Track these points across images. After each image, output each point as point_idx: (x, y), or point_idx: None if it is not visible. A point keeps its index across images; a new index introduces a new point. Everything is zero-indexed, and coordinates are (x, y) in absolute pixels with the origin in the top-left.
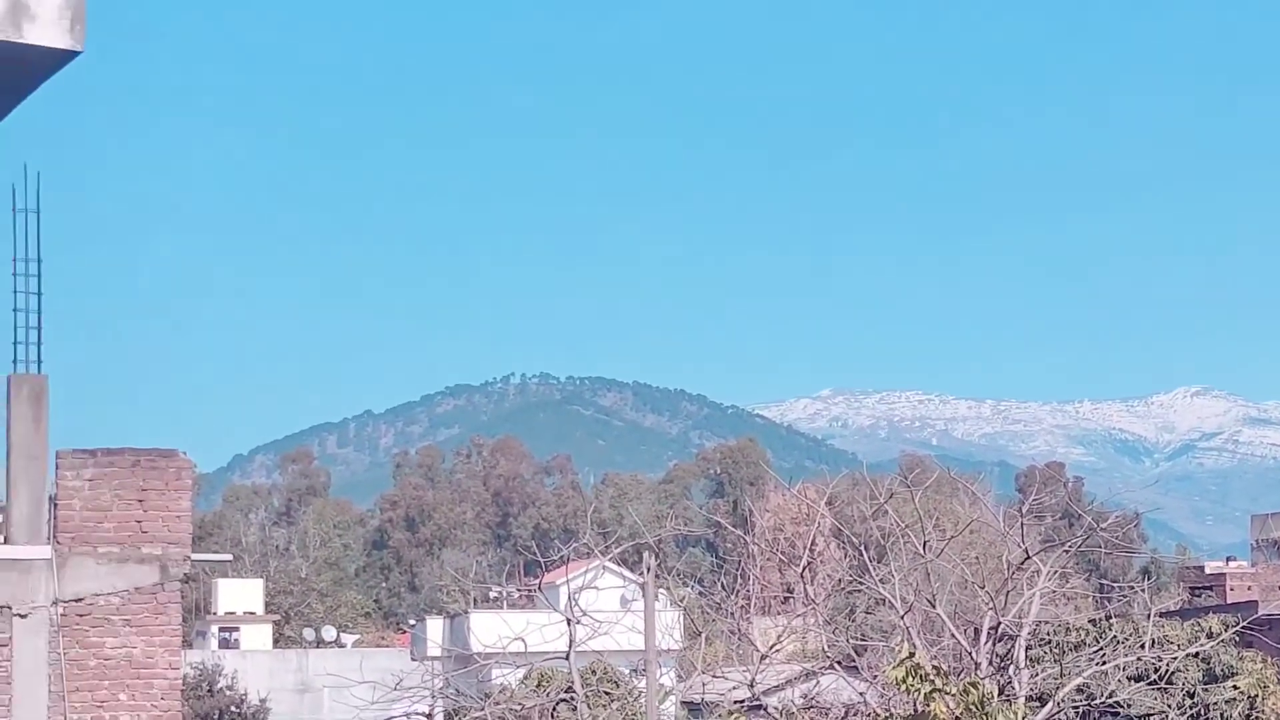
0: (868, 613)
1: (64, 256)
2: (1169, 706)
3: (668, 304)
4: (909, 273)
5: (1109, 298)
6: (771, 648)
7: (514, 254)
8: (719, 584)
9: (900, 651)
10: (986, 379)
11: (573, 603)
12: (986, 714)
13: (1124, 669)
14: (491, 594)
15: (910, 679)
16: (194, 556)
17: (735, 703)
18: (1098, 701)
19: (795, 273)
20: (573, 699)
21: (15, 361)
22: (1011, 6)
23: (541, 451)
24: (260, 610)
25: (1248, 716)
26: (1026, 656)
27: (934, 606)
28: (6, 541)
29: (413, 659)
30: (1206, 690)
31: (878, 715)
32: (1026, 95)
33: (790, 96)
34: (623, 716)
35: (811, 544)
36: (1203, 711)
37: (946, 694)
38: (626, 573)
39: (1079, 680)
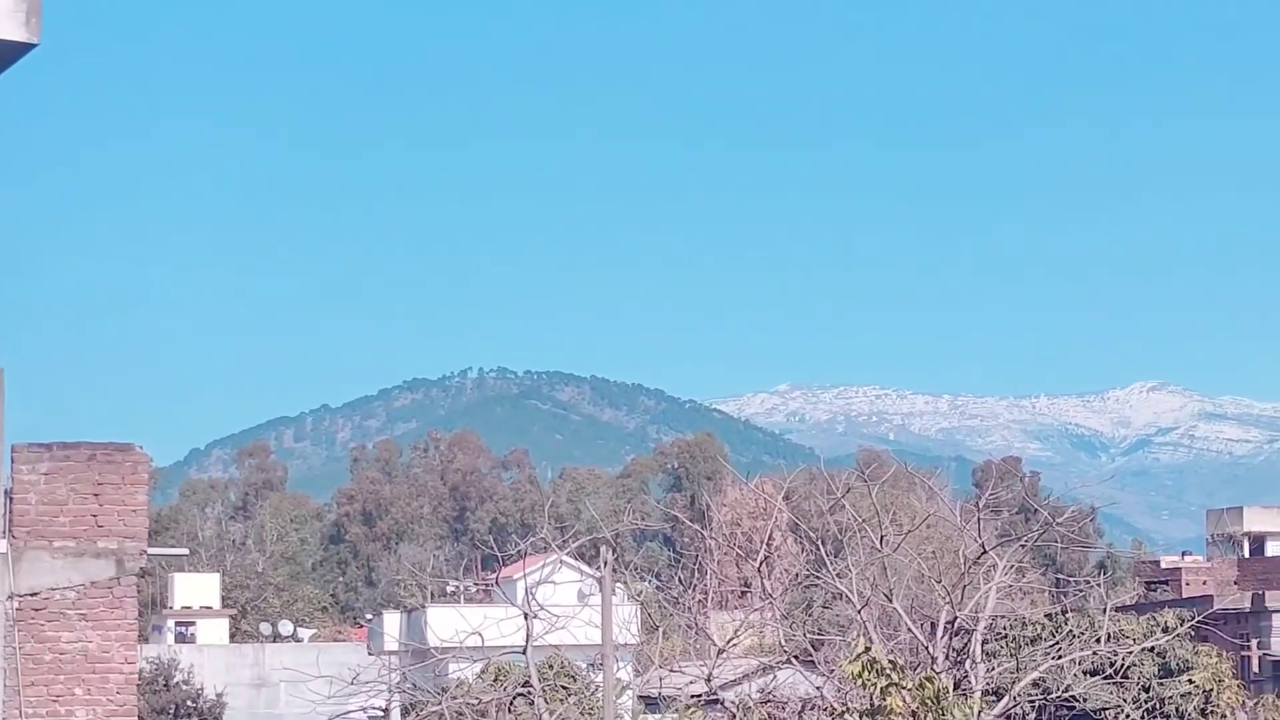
0: (825, 607)
1: (18, 248)
2: (1125, 700)
3: (625, 298)
4: (866, 268)
5: (1065, 293)
6: (729, 642)
7: (471, 249)
8: (676, 578)
9: (857, 646)
10: (943, 374)
11: (530, 597)
12: (942, 708)
13: (1080, 663)
14: (448, 588)
15: (866, 673)
16: (150, 551)
17: (692, 697)
18: (1054, 696)
19: (753, 267)
20: (530, 693)
21: None
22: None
23: (499, 446)
24: (217, 605)
25: (1203, 710)
26: (983, 651)
27: (890, 601)
28: None
29: (370, 653)
30: (1162, 684)
31: (834, 709)
32: (983, 96)
33: (743, 93)
34: (580, 711)
35: (768, 538)
36: (1158, 705)
37: (903, 688)
38: (584, 567)
39: (1035, 674)
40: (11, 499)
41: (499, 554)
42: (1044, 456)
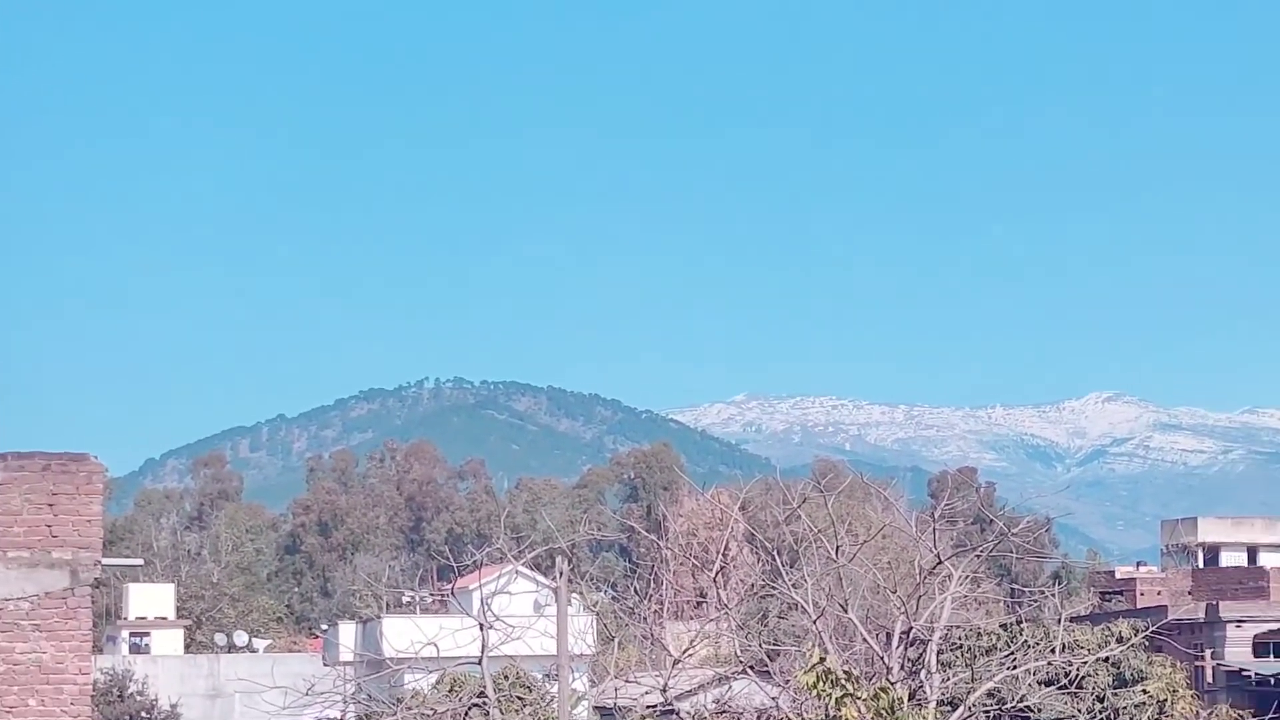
0: (780, 618)
1: None
2: (1079, 711)
3: (582, 308)
4: (823, 278)
5: (1021, 303)
6: (684, 652)
7: (428, 257)
8: (632, 589)
9: (812, 656)
10: (900, 384)
11: (485, 607)
12: (897, 718)
13: (1035, 673)
14: (404, 599)
15: (822, 684)
16: (105, 561)
17: (648, 707)
18: (1009, 706)
19: (709, 277)
20: (485, 704)
21: None
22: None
23: (455, 456)
24: (171, 615)
25: None
26: (938, 661)
27: (846, 611)
28: None
29: (325, 664)
30: (1116, 694)
31: None
32: (949, 108)
33: (696, 101)
34: None
35: (724, 549)
36: (1113, 715)
37: (858, 698)
38: (540, 577)
39: (990, 685)
40: None
41: (455, 564)
42: (999, 467)
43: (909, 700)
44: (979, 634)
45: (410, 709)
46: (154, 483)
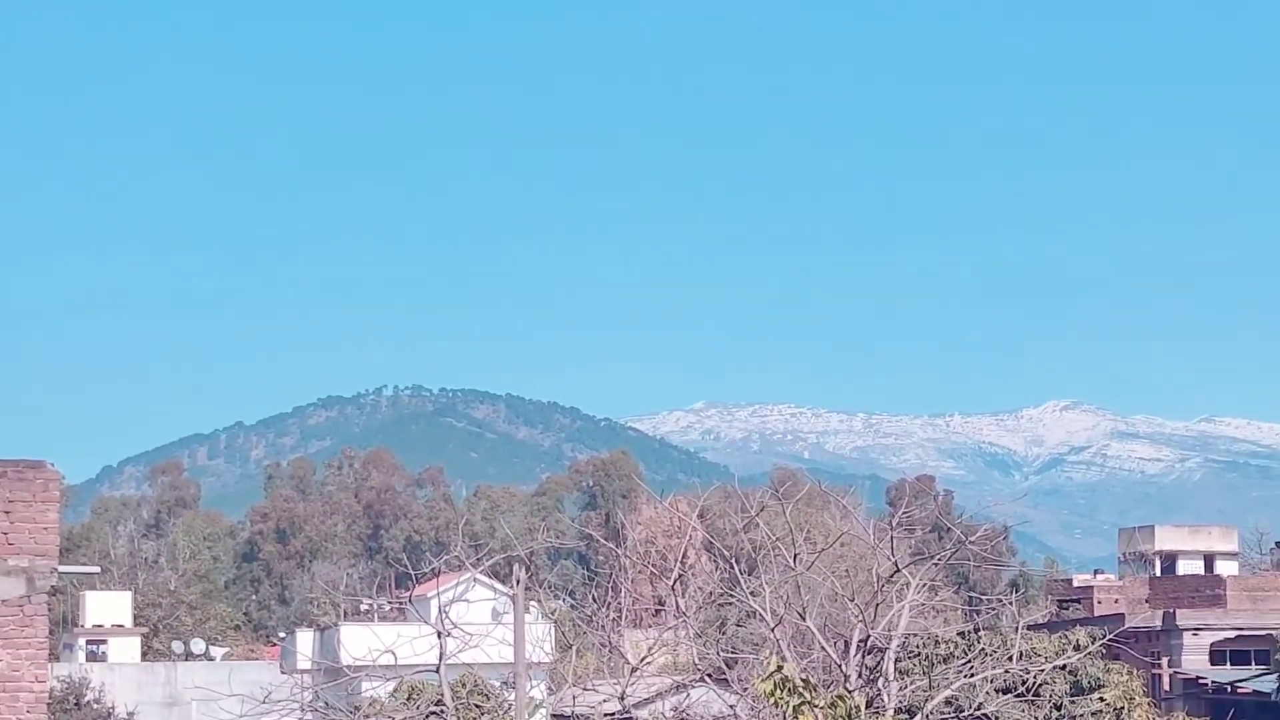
0: (738, 625)
1: None
2: (1037, 718)
3: (541, 316)
4: (781, 285)
5: (980, 312)
6: (642, 660)
7: (386, 265)
8: (590, 596)
9: (770, 664)
10: (858, 392)
11: (443, 615)
12: None
13: (992, 681)
14: (362, 607)
15: (779, 692)
16: (61, 568)
17: (606, 715)
18: (966, 714)
19: (667, 285)
20: (443, 712)
21: None
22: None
23: (414, 464)
24: (128, 623)
25: None
26: (896, 669)
27: (804, 619)
28: None
29: (282, 672)
30: (1074, 702)
31: None
32: (901, 115)
33: (650, 107)
34: None
35: (683, 557)
36: None
37: (815, 706)
38: (498, 585)
39: (947, 692)
40: None
41: (413, 572)
42: (958, 475)
43: (866, 708)
44: (937, 642)
45: (368, 717)
46: (111, 490)
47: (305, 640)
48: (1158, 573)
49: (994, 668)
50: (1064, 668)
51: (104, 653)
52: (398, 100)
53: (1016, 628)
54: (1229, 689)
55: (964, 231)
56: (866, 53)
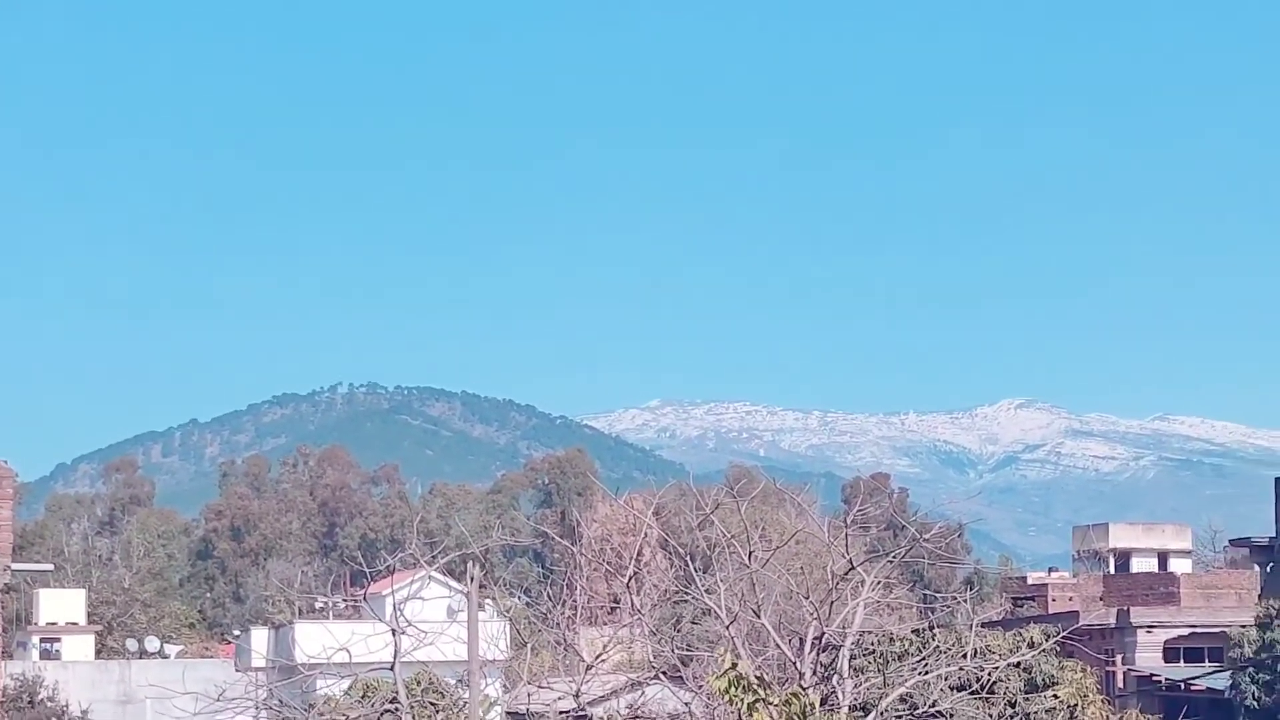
0: (694, 623)
1: None
2: (991, 715)
3: (497, 314)
4: (738, 284)
5: (935, 311)
6: (597, 658)
7: (342, 262)
8: (546, 594)
9: (724, 662)
10: (814, 390)
11: (398, 613)
12: None
13: (946, 678)
14: (317, 604)
15: (734, 689)
16: (15, 566)
17: (561, 713)
18: (921, 711)
19: (623, 282)
20: (397, 710)
21: None
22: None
23: (369, 461)
24: (82, 621)
25: None
26: (850, 666)
27: (759, 617)
28: None
29: (237, 670)
30: (1028, 699)
31: None
32: (857, 119)
33: (599, 109)
34: None
35: (638, 554)
36: None
37: (770, 704)
38: (453, 583)
39: (902, 690)
40: None
41: (368, 570)
42: (913, 473)
43: (821, 705)
44: (891, 639)
45: (322, 715)
46: (65, 488)
47: (260, 638)
48: (1112, 570)
49: (948, 665)
50: (1018, 665)
51: (58, 651)
52: (351, 98)
53: (971, 625)
54: (1182, 686)
55: (918, 232)
56: (809, 53)
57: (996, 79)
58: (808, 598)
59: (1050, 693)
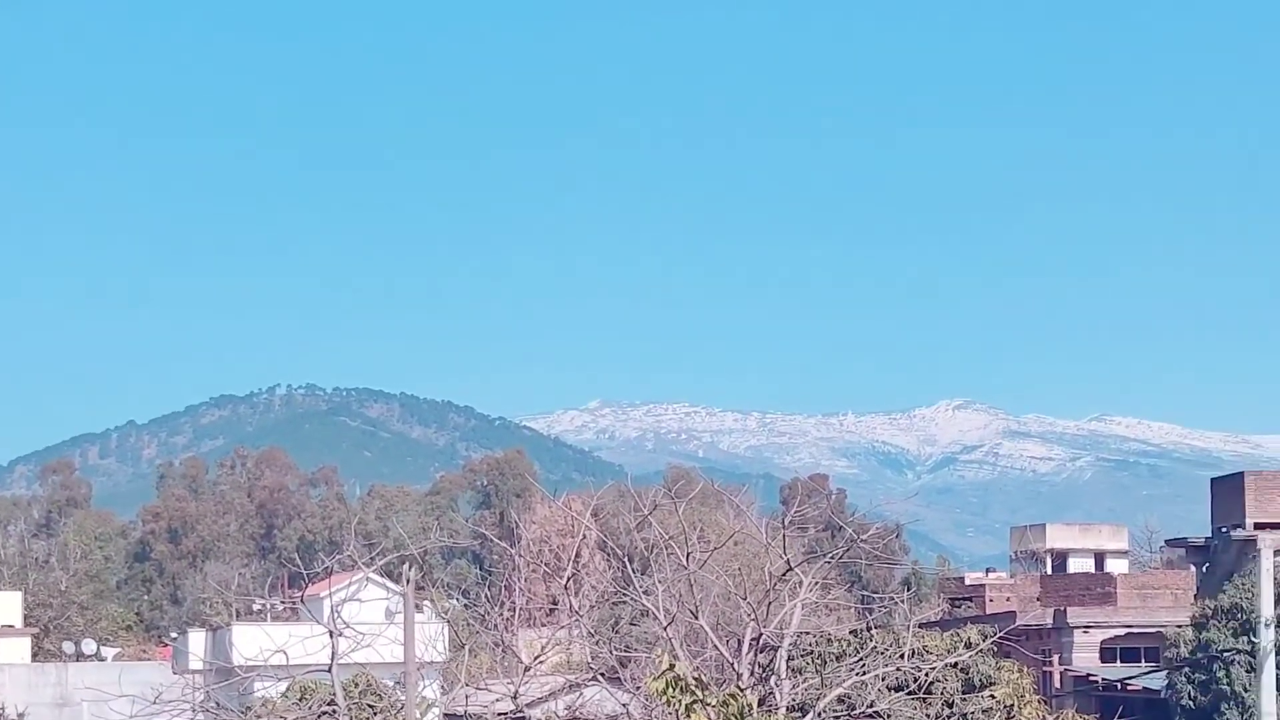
0: (632, 624)
1: None
2: (928, 716)
3: (435, 315)
4: (676, 284)
5: (873, 311)
6: (536, 659)
7: (279, 263)
8: (484, 596)
9: (662, 663)
10: (753, 391)
11: (336, 615)
12: None
13: (884, 679)
14: (255, 606)
15: (671, 690)
16: None
17: (499, 715)
18: (858, 711)
19: (561, 283)
20: (335, 711)
21: None
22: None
23: (307, 463)
24: (18, 623)
25: None
26: (788, 667)
27: (697, 618)
28: None
29: (174, 672)
30: (965, 700)
31: None
32: (796, 116)
33: (540, 109)
34: None
35: (576, 555)
36: None
37: (708, 705)
38: (391, 585)
39: (839, 690)
40: None
41: (306, 571)
42: (851, 474)
43: (759, 706)
44: (829, 640)
45: (260, 717)
46: (1, 490)
47: (197, 640)
48: (1049, 571)
49: (886, 665)
50: (955, 665)
51: None
52: (297, 98)
53: (908, 626)
54: (1119, 686)
55: (856, 233)
56: (731, 49)
57: (943, 73)
58: (745, 599)
59: (987, 693)
